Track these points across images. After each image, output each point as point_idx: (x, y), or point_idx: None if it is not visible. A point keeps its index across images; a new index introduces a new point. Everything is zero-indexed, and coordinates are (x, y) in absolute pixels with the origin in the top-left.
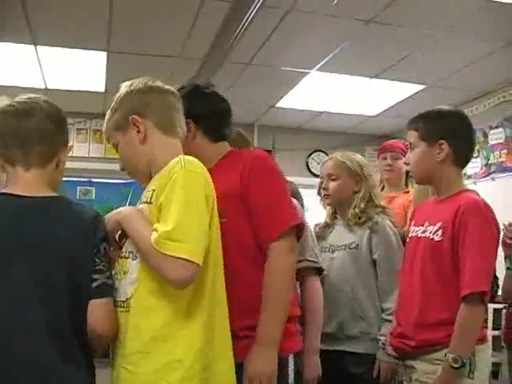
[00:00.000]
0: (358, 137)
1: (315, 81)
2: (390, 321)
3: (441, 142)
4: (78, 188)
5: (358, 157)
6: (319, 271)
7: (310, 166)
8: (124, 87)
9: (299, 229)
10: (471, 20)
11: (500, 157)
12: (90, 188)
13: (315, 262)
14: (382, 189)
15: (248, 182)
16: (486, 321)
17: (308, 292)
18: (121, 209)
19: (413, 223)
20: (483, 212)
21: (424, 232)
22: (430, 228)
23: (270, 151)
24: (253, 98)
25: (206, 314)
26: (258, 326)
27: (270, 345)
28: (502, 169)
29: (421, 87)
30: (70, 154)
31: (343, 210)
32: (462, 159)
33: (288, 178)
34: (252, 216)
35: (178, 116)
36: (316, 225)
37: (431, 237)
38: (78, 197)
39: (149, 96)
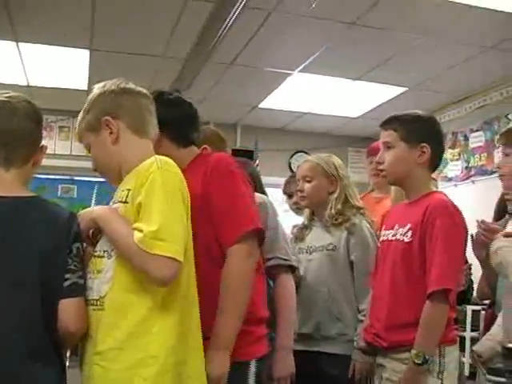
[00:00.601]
0: (341, 138)
1: (298, 82)
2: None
3: (423, 144)
4: (60, 186)
5: (334, 158)
6: (292, 269)
7: (292, 166)
8: (96, 89)
9: (259, 232)
10: (452, 25)
11: (480, 160)
12: (71, 186)
13: (286, 260)
14: (372, 191)
15: (208, 184)
16: (456, 321)
17: (279, 289)
18: (94, 208)
19: (384, 227)
20: (450, 212)
21: (394, 235)
22: (400, 230)
23: (252, 151)
24: (236, 98)
25: (180, 311)
26: (213, 328)
27: (223, 348)
28: (482, 172)
29: (402, 90)
30: (52, 152)
31: (320, 212)
32: (435, 163)
33: (270, 179)
34: (213, 219)
35: (150, 117)
36: (294, 226)
37: (401, 239)
38: (59, 195)
39: (121, 98)
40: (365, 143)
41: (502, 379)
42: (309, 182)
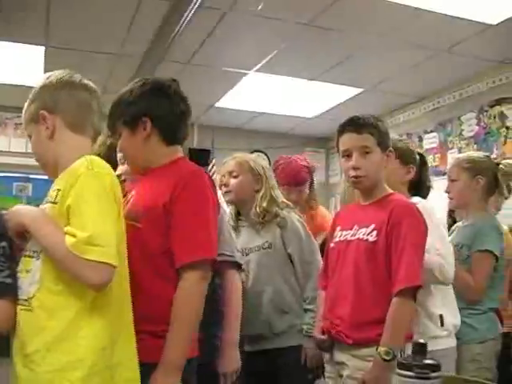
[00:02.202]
0: (297, 138)
1: (254, 81)
2: (310, 310)
3: (390, 149)
4: (15, 184)
5: (261, 159)
6: (238, 266)
7: None
8: (42, 79)
9: (214, 260)
10: (407, 27)
11: (434, 161)
12: (26, 184)
13: (231, 256)
14: None
15: (177, 199)
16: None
17: (226, 284)
18: (22, 208)
19: (338, 228)
20: (415, 212)
21: (354, 235)
22: (363, 230)
23: (209, 151)
24: (192, 97)
25: (111, 314)
26: (164, 349)
27: (172, 370)
28: (437, 172)
29: (358, 91)
30: (6, 150)
31: (246, 211)
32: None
33: None
34: (171, 234)
35: (89, 114)
36: None
37: (365, 238)
38: (14, 193)
39: (60, 92)
40: (321, 144)
41: (411, 373)
42: (235, 177)
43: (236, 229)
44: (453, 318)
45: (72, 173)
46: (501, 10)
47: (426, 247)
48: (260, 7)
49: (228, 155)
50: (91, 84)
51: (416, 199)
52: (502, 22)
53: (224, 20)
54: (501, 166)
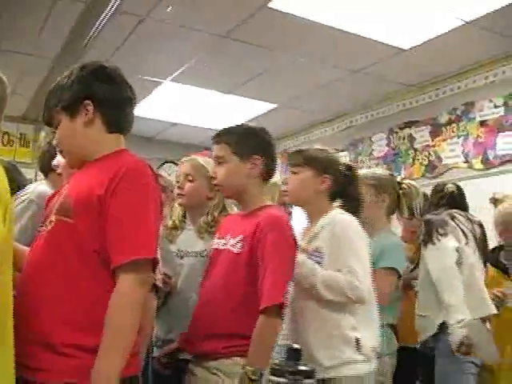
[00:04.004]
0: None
1: (169, 91)
2: None
3: (255, 157)
4: None
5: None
6: (155, 287)
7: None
8: None
9: (153, 261)
10: (322, 46)
11: None
12: None
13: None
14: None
15: (114, 193)
16: None
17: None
18: None
19: (217, 236)
20: (282, 228)
21: (225, 244)
22: (231, 241)
23: None
24: None
25: None
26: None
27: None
28: None
29: (272, 106)
30: None
31: (194, 216)
32: (268, 175)
33: None
34: (106, 230)
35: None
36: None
37: (231, 249)
38: None
39: None
40: None
41: (283, 380)
42: (190, 181)
43: (179, 229)
44: (372, 341)
45: None
46: (413, 36)
47: (339, 265)
48: (169, 9)
49: None
50: (4, 78)
51: (335, 212)
52: (413, 47)
53: (141, 26)
54: (403, 185)
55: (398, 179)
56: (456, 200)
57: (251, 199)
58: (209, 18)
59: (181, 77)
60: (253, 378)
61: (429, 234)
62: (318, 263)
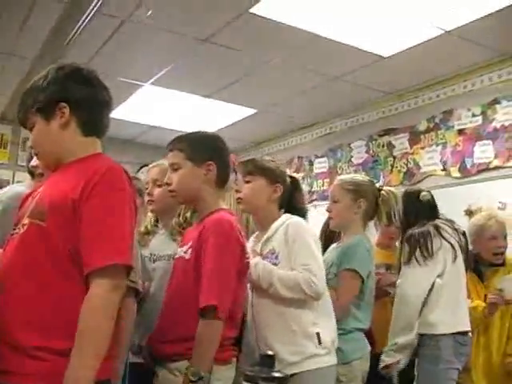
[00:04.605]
0: None
1: (149, 94)
2: None
3: (209, 162)
4: None
5: None
6: (137, 293)
7: None
8: None
9: (129, 268)
10: (303, 52)
11: (323, 185)
12: None
13: (133, 282)
14: None
15: (89, 196)
16: (233, 342)
17: (121, 313)
18: None
19: (180, 244)
20: (224, 231)
21: (181, 252)
22: (184, 248)
23: None
24: None
25: None
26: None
27: None
28: (324, 197)
29: (252, 111)
30: None
31: (166, 219)
32: (223, 181)
33: None
34: (81, 234)
35: None
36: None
37: (183, 256)
38: None
39: None
40: None
41: None
42: (159, 186)
43: (151, 233)
44: (331, 334)
45: None
46: (393, 44)
47: (294, 265)
48: (150, 13)
49: None
50: None
51: (287, 216)
52: (393, 54)
53: (122, 29)
54: (382, 192)
55: (378, 186)
56: (434, 209)
57: (206, 205)
58: (190, 21)
59: (161, 80)
60: (191, 378)
61: (411, 252)
62: (274, 264)
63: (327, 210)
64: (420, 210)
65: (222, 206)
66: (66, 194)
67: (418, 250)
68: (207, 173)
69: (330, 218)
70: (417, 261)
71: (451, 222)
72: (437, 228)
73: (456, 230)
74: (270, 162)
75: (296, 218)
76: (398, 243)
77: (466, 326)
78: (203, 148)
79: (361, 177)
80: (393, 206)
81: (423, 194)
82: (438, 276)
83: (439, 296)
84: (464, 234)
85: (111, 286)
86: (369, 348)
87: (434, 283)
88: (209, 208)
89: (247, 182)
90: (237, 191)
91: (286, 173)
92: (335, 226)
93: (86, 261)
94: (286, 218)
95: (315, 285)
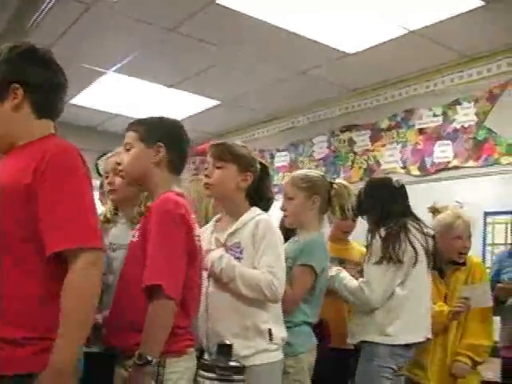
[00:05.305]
0: None
1: (112, 82)
2: None
3: (159, 144)
4: None
5: None
6: None
7: (99, 167)
8: None
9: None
10: (267, 45)
11: (283, 179)
12: None
13: None
14: None
15: (41, 179)
16: (187, 331)
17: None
18: None
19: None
20: (168, 208)
21: (134, 236)
22: (135, 231)
23: None
24: None
25: None
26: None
27: (57, 377)
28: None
29: (215, 103)
30: None
31: (127, 209)
32: (175, 166)
33: None
34: (40, 218)
35: None
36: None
37: (132, 239)
38: None
39: None
40: None
41: (213, 375)
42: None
43: (112, 222)
44: (281, 332)
45: None
46: (358, 41)
47: (258, 263)
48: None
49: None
50: None
51: (256, 210)
52: (358, 52)
53: (87, 14)
54: (334, 185)
55: (330, 180)
56: (407, 198)
57: (155, 188)
58: (156, 10)
59: (125, 68)
60: (137, 362)
61: (384, 252)
62: (237, 258)
63: (281, 209)
64: (395, 198)
65: (175, 188)
66: (17, 177)
67: (388, 252)
68: (156, 154)
69: (284, 216)
70: (387, 263)
71: (420, 222)
72: (405, 230)
73: (424, 233)
74: (242, 148)
75: (265, 216)
76: (368, 237)
77: (419, 337)
78: (156, 130)
79: (313, 172)
80: (346, 200)
81: (395, 180)
82: (401, 283)
83: (400, 306)
84: (433, 237)
85: (89, 260)
86: (315, 341)
87: (394, 292)
88: (158, 191)
89: (218, 167)
90: (206, 176)
91: (257, 160)
92: (291, 224)
93: (48, 244)
94: (257, 214)
95: (276, 288)
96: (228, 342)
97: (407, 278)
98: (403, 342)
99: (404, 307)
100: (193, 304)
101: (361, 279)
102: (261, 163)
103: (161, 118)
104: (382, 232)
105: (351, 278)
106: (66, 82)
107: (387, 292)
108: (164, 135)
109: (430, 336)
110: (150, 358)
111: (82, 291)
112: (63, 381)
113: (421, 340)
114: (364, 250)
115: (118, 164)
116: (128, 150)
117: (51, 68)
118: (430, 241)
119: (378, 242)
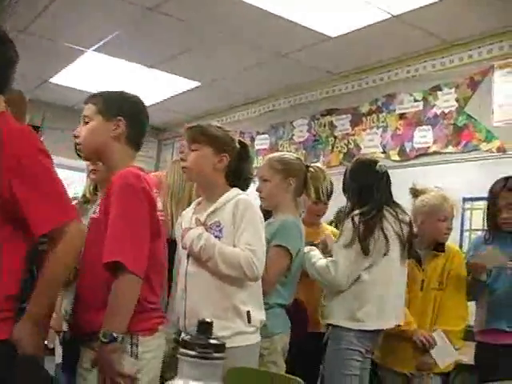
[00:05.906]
0: None
1: (92, 61)
2: None
3: (119, 118)
4: None
5: None
6: None
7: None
8: None
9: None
10: (249, 28)
11: (263, 161)
12: None
13: None
14: None
15: (8, 157)
16: (156, 307)
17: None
18: None
19: None
20: (129, 182)
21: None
22: (94, 206)
23: (38, 128)
24: (24, 69)
25: None
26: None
27: (37, 322)
28: None
29: (195, 84)
30: None
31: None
32: (135, 141)
33: (56, 158)
34: (16, 204)
35: None
36: (73, 198)
37: (93, 216)
38: None
39: None
40: (153, 134)
41: (193, 352)
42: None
43: (91, 201)
44: (260, 315)
45: None
46: (340, 25)
47: (238, 242)
48: None
49: (58, 135)
50: None
51: (236, 190)
52: (340, 35)
53: None
54: (310, 168)
55: (306, 163)
56: (390, 185)
57: (114, 163)
58: None
59: (104, 47)
60: (102, 340)
61: (354, 236)
62: (217, 237)
63: (257, 190)
64: (377, 184)
65: (133, 164)
66: None
67: (358, 239)
68: (115, 128)
69: (260, 198)
70: (356, 247)
71: (398, 208)
72: (380, 217)
73: (399, 220)
74: (217, 129)
75: (245, 196)
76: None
77: (387, 324)
78: (116, 104)
79: (289, 155)
80: (321, 183)
81: (380, 164)
82: (368, 268)
83: (366, 291)
84: (409, 223)
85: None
86: (289, 323)
87: (360, 276)
88: (117, 166)
89: (193, 150)
90: (182, 160)
91: (235, 140)
92: (267, 206)
93: (33, 228)
94: (237, 193)
95: (256, 267)
96: (209, 320)
97: (374, 265)
98: (371, 328)
99: (371, 293)
100: (157, 280)
101: (329, 258)
102: (241, 143)
103: (121, 92)
104: (357, 217)
105: (321, 257)
106: (18, 56)
107: (352, 274)
108: (124, 109)
109: (400, 323)
110: (115, 335)
111: (63, 259)
112: (38, 330)
113: (389, 327)
114: (335, 231)
115: (75, 137)
116: (86, 122)
117: (5, 43)
118: (406, 227)
119: (349, 225)
